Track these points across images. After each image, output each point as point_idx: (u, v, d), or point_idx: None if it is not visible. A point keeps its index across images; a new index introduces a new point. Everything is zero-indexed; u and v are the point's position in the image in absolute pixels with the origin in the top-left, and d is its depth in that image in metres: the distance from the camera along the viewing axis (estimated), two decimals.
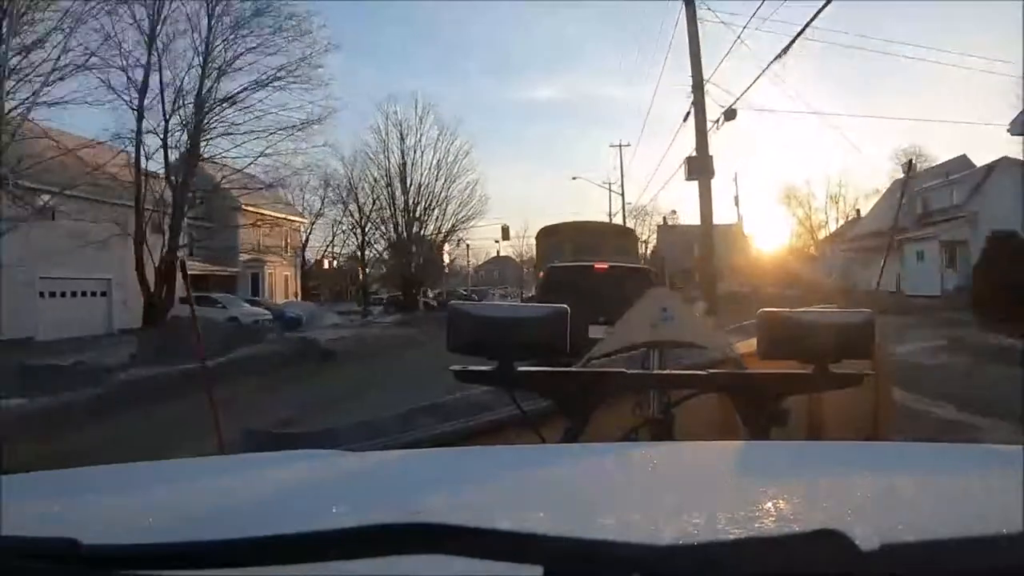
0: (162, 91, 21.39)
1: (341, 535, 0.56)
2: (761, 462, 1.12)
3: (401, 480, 1.02)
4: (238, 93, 22.63)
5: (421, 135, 36.73)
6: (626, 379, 1.70)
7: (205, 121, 22.19)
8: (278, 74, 22.88)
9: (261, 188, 25.92)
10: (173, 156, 21.96)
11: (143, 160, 21.27)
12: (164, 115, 21.48)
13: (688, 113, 16.78)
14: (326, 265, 44.63)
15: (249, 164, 24.16)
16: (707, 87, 16.15)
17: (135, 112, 20.76)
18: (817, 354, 1.58)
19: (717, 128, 16.44)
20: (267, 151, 23.58)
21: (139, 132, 20.96)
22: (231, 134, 23.06)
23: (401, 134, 36.52)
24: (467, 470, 1.10)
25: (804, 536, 0.50)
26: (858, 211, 44.59)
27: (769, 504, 0.83)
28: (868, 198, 42.76)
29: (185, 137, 21.82)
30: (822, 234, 45.89)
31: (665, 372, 1.79)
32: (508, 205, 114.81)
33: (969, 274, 26.36)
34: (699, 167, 16.42)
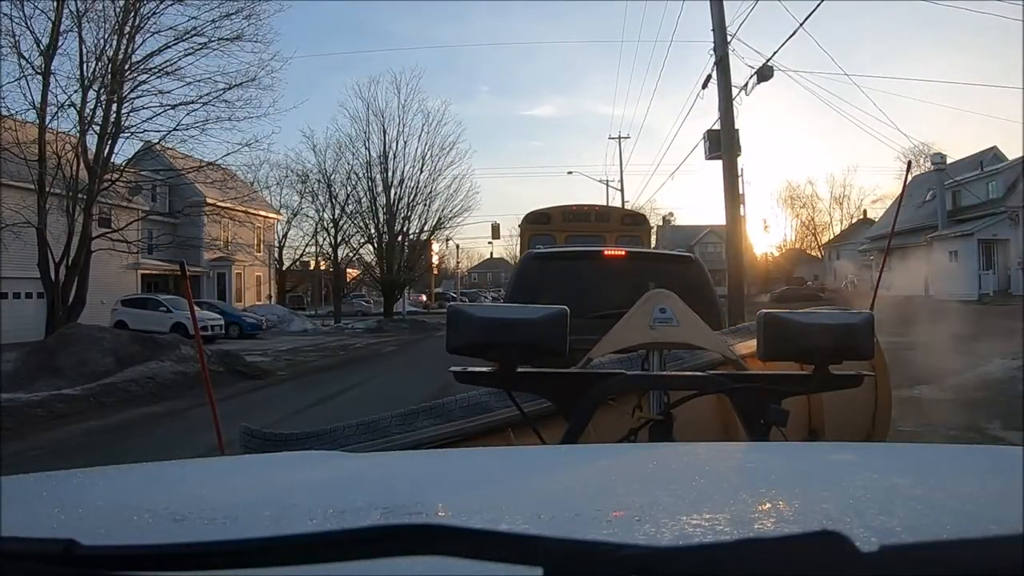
0: (82, 55, 17.93)
1: (341, 536, 0.56)
2: (761, 462, 1.12)
3: (401, 481, 1.02)
4: (160, 50, 18.90)
5: (404, 125, 35.25)
6: (626, 380, 1.70)
7: (127, 91, 18.72)
8: (202, 27, 18.96)
9: (200, 168, 21.39)
10: (101, 138, 18.48)
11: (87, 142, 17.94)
12: (82, 81, 18.11)
13: (708, 78, 13.44)
14: (312, 265, 42.12)
15: (186, 140, 19.96)
16: (732, 45, 13.02)
17: (40, 75, 17.52)
18: (817, 355, 1.58)
19: (747, 93, 13.36)
20: (200, 122, 19.67)
21: (44, 99, 17.63)
22: (160, 105, 19.27)
23: (383, 125, 35.07)
24: (467, 471, 1.10)
25: (804, 537, 0.50)
26: (864, 212, 44.50)
27: (769, 505, 0.83)
28: (874, 202, 42.62)
29: (100, 110, 18.35)
30: (825, 236, 45.74)
31: (665, 373, 1.79)
32: (501, 206, 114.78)
33: (1009, 276, 24.78)
34: (724, 141, 13.06)
